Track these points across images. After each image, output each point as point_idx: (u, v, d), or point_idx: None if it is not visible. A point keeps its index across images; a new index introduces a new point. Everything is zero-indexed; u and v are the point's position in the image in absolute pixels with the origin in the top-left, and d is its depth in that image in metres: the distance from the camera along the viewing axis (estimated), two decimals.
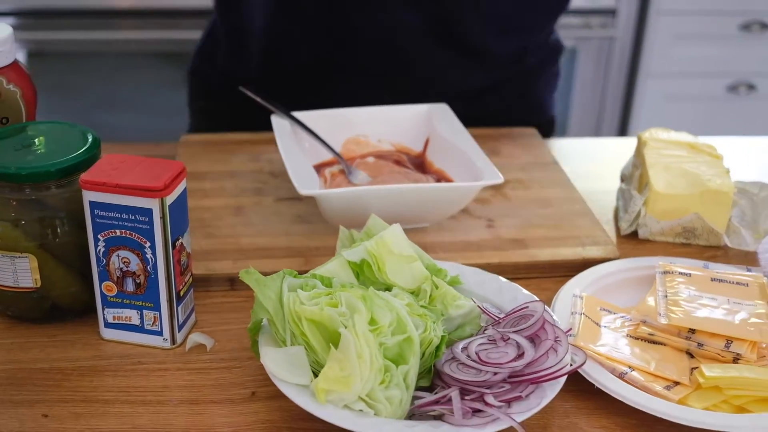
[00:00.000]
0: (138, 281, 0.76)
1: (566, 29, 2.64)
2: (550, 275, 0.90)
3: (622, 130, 2.83)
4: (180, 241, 0.76)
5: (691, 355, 0.79)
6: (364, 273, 0.77)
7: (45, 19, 2.54)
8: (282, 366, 0.70)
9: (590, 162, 1.15)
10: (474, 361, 0.71)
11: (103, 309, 0.78)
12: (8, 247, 0.76)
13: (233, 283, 0.86)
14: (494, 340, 0.73)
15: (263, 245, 0.90)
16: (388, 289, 0.76)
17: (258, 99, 1.01)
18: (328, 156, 1.00)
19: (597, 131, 2.83)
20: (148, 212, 0.73)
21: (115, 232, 0.74)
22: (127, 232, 0.74)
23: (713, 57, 2.64)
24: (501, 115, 1.22)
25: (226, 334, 0.81)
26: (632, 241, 0.97)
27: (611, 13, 2.65)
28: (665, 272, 0.86)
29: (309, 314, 0.70)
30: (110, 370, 0.76)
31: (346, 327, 0.69)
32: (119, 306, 0.78)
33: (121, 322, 0.78)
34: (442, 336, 0.72)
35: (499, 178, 0.89)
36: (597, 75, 2.74)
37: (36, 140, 0.80)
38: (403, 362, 0.69)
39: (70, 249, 0.78)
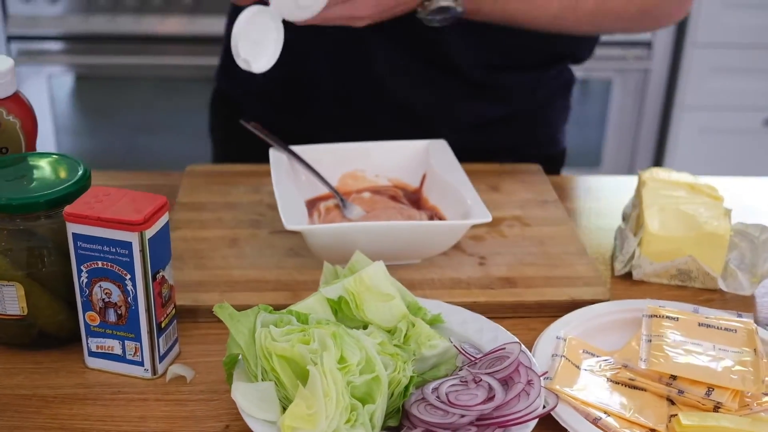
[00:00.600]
0: (119, 312, 0.77)
1: (601, 61, 2.63)
2: (538, 315, 0.90)
3: (657, 163, 2.80)
4: (161, 273, 0.77)
5: (672, 401, 0.78)
6: (342, 310, 0.78)
7: (93, 43, 2.60)
8: (252, 401, 0.71)
9: (595, 200, 1.14)
10: (443, 402, 0.71)
11: (87, 338, 0.80)
12: None
13: None
14: (466, 382, 0.73)
15: (253, 278, 0.91)
16: (366, 326, 0.77)
17: (257, 132, 1.02)
18: (324, 190, 1.01)
19: (631, 164, 2.80)
20: (128, 245, 0.74)
21: (97, 264, 0.76)
22: (109, 264, 0.75)
23: (750, 90, 2.61)
24: (511, 147, 1.22)
25: (207, 365, 0.82)
26: (626, 282, 0.96)
27: (647, 45, 2.64)
28: (652, 316, 0.85)
29: (279, 350, 0.71)
30: (90, 399, 0.78)
31: (315, 364, 0.69)
32: (102, 336, 0.79)
33: (104, 351, 0.80)
34: (411, 376, 0.72)
35: (487, 217, 0.89)
36: (632, 107, 2.72)
37: (29, 171, 0.82)
38: (370, 401, 0.69)
39: (57, 278, 0.80)
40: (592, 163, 2.81)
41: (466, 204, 0.92)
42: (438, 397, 0.72)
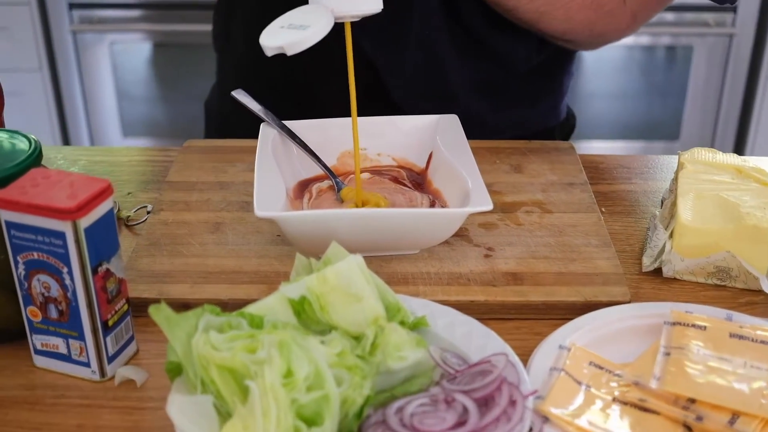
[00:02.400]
0: (60, 308, 0.70)
1: (680, 26, 2.45)
2: (546, 318, 0.79)
3: (740, 136, 2.61)
4: (104, 266, 0.69)
5: (689, 429, 0.66)
6: (305, 311, 0.68)
7: (154, 10, 2.56)
8: (188, 416, 0.62)
9: (635, 182, 1.01)
10: (404, 426, 0.61)
11: (31, 335, 0.73)
12: None
13: (189, 308, 0.78)
14: (436, 401, 0.63)
15: (230, 268, 0.83)
16: (332, 330, 0.67)
17: (245, 103, 0.93)
18: (320, 170, 0.91)
19: (713, 137, 2.62)
20: (61, 235, 0.66)
21: (33, 255, 0.68)
22: (44, 255, 0.68)
23: None
24: (506, 119, 1.12)
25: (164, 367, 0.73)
26: (656, 280, 0.84)
27: (731, 8, 2.44)
28: (675, 323, 0.73)
29: (218, 360, 0.62)
30: (29, 403, 0.70)
31: (256, 378, 0.60)
32: (45, 333, 0.72)
33: (49, 349, 0.72)
34: (368, 396, 0.62)
35: (488, 206, 0.78)
36: (713, 76, 2.53)
37: None
38: (318, 423, 0.60)
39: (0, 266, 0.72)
40: (671, 136, 2.63)
41: (468, 189, 0.81)
42: (401, 419, 0.62)
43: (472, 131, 0.93)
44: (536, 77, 1.13)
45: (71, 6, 2.54)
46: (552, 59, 1.13)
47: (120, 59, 2.65)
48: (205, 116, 1.27)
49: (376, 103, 1.03)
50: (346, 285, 0.68)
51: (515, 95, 1.13)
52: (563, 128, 1.21)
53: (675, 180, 0.90)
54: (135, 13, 2.59)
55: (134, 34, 2.64)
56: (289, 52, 0.76)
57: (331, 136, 0.93)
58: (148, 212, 0.92)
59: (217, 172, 0.98)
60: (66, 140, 2.63)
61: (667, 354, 0.70)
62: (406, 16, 1.03)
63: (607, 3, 1.01)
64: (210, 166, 0.99)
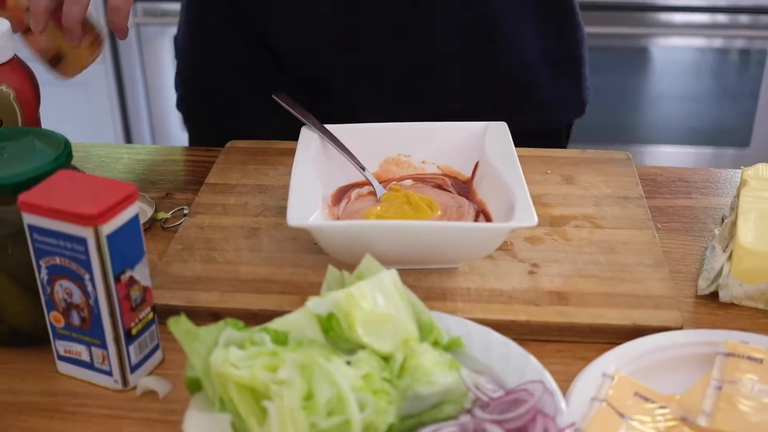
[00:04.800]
0: (82, 315, 0.68)
1: (756, 29, 2.36)
2: (591, 341, 0.74)
3: None
4: (128, 274, 0.67)
5: None
6: (332, 329, 0.65)
7: None
8: None
9: (696, 196, 0.96)
10: None
11: (54, 340, 0.71)
12: None
13: (217, 318, 0.76)
14: (466, 431, 0.59)
15: (262, 276, 0.80)
16: (360, 350, 0.64)
17: (286, 107, 0.90)
18: (361, 176, 0.88)
19: None
20: (82, 241, 0.64)
21: (56, 260, 0.66)
22: (66, 260, 0.66)
23: None
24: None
25: None
26: (712, 305, 0.79)
27: None
28: (729, 354, 0.68)
29: (236, 378, 0.59)
30: (48, 411, 0.69)
31: (276, 399, 0.57)
32: (68, 339, 0.70)
33: (72, 356, 0.71)
34: (391, 424, 0.58)
35: (533, 222, 0.74)
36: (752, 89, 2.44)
37: (3, 150, 0.73)
38: None
39: (25, 271, 0.70)
40: (741, 143, 2.54)
41: (512, 202, 0.77)
42: None
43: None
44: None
45: None
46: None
47: None
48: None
49: (415, 105, 1.00)
50: (377, 303, 0.65)
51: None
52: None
53: (737, 197, 0.84)
54: None
55: None
56: None
57: (374, 141, 0.90)
58: (185, 215, 0.90)
59: (258, 175, 0.96)
60: (127, 132, 2.65)
61: (719, 388, 0.65)
62: None
63: None
64: (251, 169, 0.97)
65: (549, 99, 1.11)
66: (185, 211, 0.91)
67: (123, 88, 2.61)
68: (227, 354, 0.60)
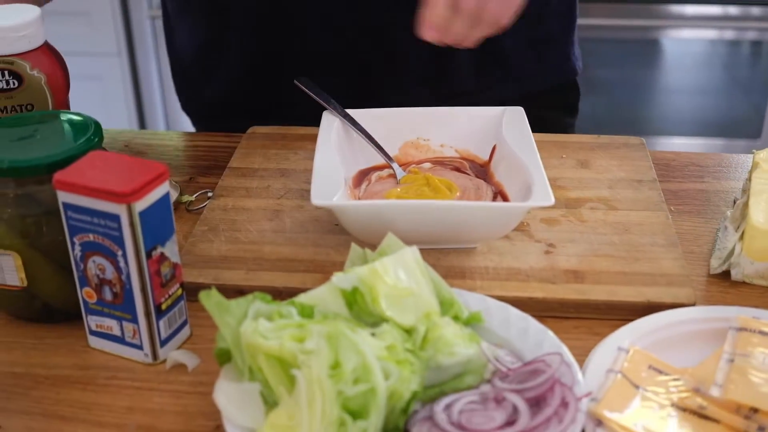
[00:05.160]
0: (114, 290, 0.70)
1: (767, 21, 2.37)
2: (606, 318, 0.76)
3: None
4: (159, 250, 0.69)
5: None
6: (357, 302, 0.67)
7: None
8: (234, 403, 0.62)
9: (708, 180, 0.97)
10: (452, 424, 0.59)
11: (86, 316, 0.73)
12: None
13: (242, 295, 0.78)
14: (486, 400, 0.61)
15: (285, 256, 0.82)
16: (383, 323, 0.66)
17: (307, 91, 0.92)
18: (381, 159, 0.90)
19: None
20: (116, 218, 0.66)
21: (89, 237, 0.69)
22: (99, 237, 0.68)
23: None
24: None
25: None
26: (723, 284, 0.81)
27: None
28: (741, 329, 0.70)
29: (266, 349, 0.61)
30: (81, 383, 0.71)
31: (304, 368, 0.59)
32: (100, 314, 0.72)
33: (103, 331, 0.73)
34: (414, 392, 0.61)
35: (549, 201, 0.76)
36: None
37: (37, 132, 0.76)
38: (363, 416, 0.59)
39: (59, 249, 0.73)
40: (752, 134, 2.55)
41: (529, 183, 0.79)
42: (449, 416, 0.60)
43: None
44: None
45: None
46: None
47: None
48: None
49: (432, 89, 1.01)
50: (399, 278, 0.67)
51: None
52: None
53: (749, 180, 0.86)
54: None
55: None
56: None
57: (394, 126, 0.92)
58: (209, 197, 0.92)
59: (279, 159, 0.98)
60: (142, 125, 2.68)
61: (731, 360, 0.67)
62: None
63: None
64: (273, 153, 0.99)
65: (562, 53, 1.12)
66: (209, 194, 0.93)
67: (138, 81, 2.63)
68: (257, 325, 0.62)
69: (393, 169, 0.89)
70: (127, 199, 0.65)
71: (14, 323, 0.77)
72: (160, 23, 2.59)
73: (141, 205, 0.66)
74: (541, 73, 1.13)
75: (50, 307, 0.76)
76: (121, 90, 2.59)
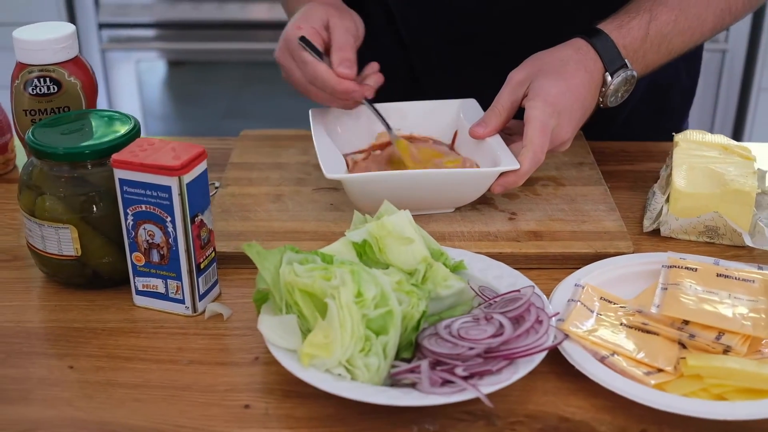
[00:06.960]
0: (162, 253, 0.84)
1: None
2: (562, 267, 0.93)
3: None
4: (199, 217, 0.84)
5: (683, 345, 0.80)
6: (366, 253, 0.83)
7: (180, 30, 2.71)
8: (276, 332, 0.77)
9: (636, 164, 1.16)
10: (453, 336, 0.75)
11: (134, 278, 0.87)
12: (53, 218, 0.86)
13: None
14: (478, 319, 0.77)
15: (292, 228, 0.97)
16: (387, 268, 0.82)
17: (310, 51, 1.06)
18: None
19: None
20: (167, 189, 0.81)
21: (141, 207, 0.83)
22: (151, 207, 0.82)
23: None
24: None
25: (244, 306, 0.88)
26: (654, 239, 0.99)
27: None
28: (671, 266, 0.87)
29: (301, 285, 0.76)
30: (135, 332, 0.85)
31: (334, 298, 0.74)
32: (147, 275, 0.86)
33: (149, 290, 0.87)
34: (423, 311, 0.76)
35: (515, 165, 0.93)
36: (709, 90, 2.69)
37: (86, 126, 0.90)
38: (384, 333, 0.74)
39: (107, 222, 0.87)
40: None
41: (496, 154, 0.96)
42: (450, 332, 0.76)
43: None
44: None
45: (101, 26, 2.69)
46: None
47: (145, 77, 2.81)
48: None
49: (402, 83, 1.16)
50: (400, 231, 0.83)
51: None
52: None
53: (671, 156, 1.05)
54: (161, 32, 2.75)
55: (157, 53, 2.80)
56: None
57: (365, 120, 1.08)
58: (216, 188, 1.07)
59: (273, 156, 1.13)
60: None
61: (665, 288, 0.84)
62: None
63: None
64: (266, 151, 1.14)
65: None
66: (216, 185, 1.07)
67: None
68: (293, 268, 0.77)
69: (390, 135, 1.05)
70: (178, 173, 0.80)
71: (67, 290, 0.90)
72: (110, 54, 2.72)
73: (188, 177, 0.81)
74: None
75: (98, 274, 0.89)
76: None
